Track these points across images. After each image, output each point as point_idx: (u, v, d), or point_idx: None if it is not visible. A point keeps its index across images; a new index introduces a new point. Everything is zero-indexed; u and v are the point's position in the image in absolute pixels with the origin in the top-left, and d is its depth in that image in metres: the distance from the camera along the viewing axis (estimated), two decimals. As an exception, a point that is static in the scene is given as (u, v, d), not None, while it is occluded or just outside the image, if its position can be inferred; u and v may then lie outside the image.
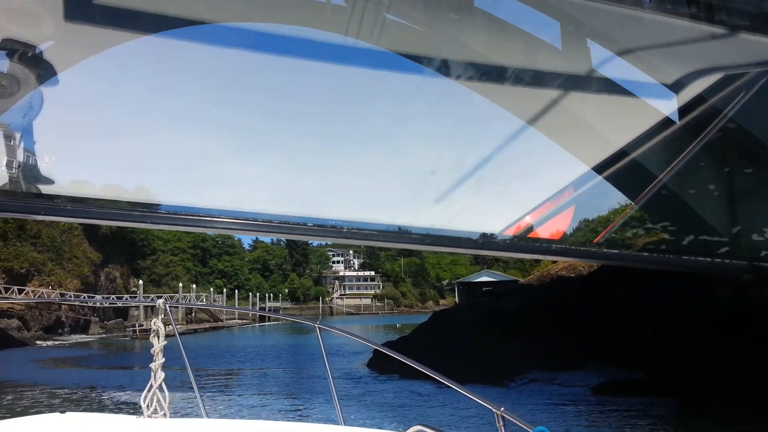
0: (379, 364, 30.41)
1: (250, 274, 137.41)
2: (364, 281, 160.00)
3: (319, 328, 4.32)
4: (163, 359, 4.15)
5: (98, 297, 78.93)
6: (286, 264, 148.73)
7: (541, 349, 25.59)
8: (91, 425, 3.64)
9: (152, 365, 4.11)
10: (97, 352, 51.92)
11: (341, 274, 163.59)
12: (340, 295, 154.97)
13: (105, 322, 79.63)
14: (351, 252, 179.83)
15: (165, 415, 4.03)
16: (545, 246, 4.49)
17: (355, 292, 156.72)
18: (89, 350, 52.96)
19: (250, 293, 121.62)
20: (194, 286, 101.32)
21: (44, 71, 4.07)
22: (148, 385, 4.06)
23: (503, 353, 26.29)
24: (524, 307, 31.06)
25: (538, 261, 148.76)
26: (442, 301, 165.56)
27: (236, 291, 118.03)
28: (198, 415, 4.26)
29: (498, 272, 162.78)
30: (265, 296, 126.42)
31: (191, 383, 4.47)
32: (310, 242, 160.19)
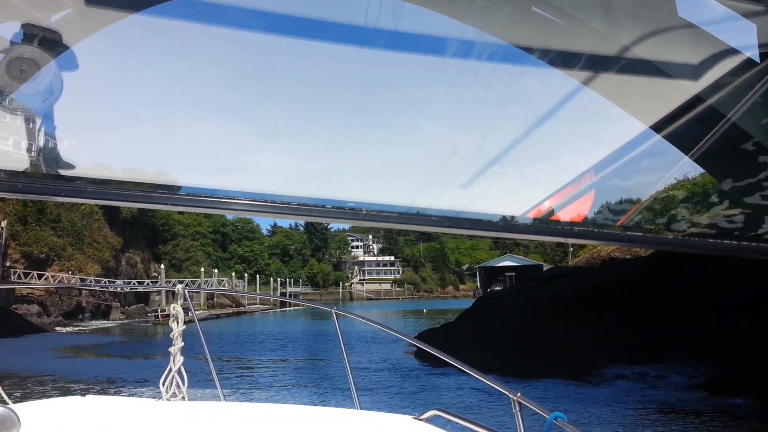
0: (429, 354, 27.15)
1: (270, 259, 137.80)
2: (383, 266, 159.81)
3: (336, 314, 4.33)
4: (182, 343, 4.19)
5: (119, 282, 79.53)
6: (306, 249, 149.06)
7: (612, 338, 23.50)
8: (111, 408, 3.69)
9: (171, 349, 4.17)
10: (118, 339, 50.79)
11: (361, 259, 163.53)
12: (360, 280, 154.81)
13: (126, 307, 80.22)
14: (370, 237, 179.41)
15: (184, 398, 4.10)
16: (567, 229, 4.63)
17: (375, 277, 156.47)
18: (110, 337, 52.16)
19: (271, 278, 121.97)
20: (216, 270, 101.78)
21: (64, 56, 4.14)
22: (167, 368, 4.12)
23: (572, 343, 24.09)
24: (581, 292, 28.25)
25: (560, 245, 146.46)
26: (462, 286, 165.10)
27: (257, 276, 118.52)
28: (216, 399, 4.28)
29: (520, 256, 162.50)
30: (286, 281, 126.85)
31: (209, 366, 4.54)
32: (329, 227, 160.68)
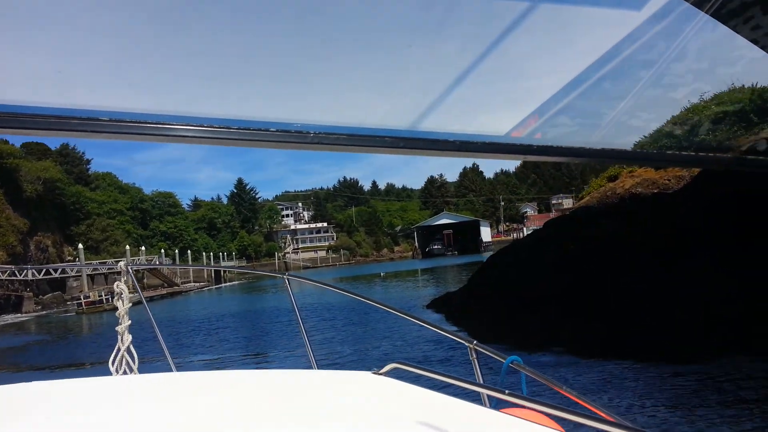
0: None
1: (196, 233, 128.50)
2: (317, 233, 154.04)
3: (288, 279, 4.55)
4: (129, 321, 4.34)
5: (42, 267, 69.23)
6: (234, 221, 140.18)
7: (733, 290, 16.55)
8: (60, 391, 3.34)
9: (119, 328, 4.31)
10: (35, 338, 41.00)
11: (293, 227, 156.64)
12: (294, 249, 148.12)
13: (40, 296, 70.14)
14: (300, 204, 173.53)
15: (135, 373, 4.23)
16: (526, 146, 3.44)
17: (309, 245, 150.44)
18: (24, 336, 42.35)
19: (203, 254, 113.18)
20: (143, 248, 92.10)
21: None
22: (116, 348, 4.25)
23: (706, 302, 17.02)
24: (632, 235, 21.87)
25: (490, 200, 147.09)
26: (396, 248, 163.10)
27: (188, 252, 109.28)
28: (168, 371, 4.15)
29: (454, 214, 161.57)
30: (219, 256, 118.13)
31: (158, 339, 4.66)
32: (258, 197, 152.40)
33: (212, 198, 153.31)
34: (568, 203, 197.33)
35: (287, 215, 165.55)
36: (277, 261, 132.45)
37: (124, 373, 4.10)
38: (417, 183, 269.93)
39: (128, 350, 4.18)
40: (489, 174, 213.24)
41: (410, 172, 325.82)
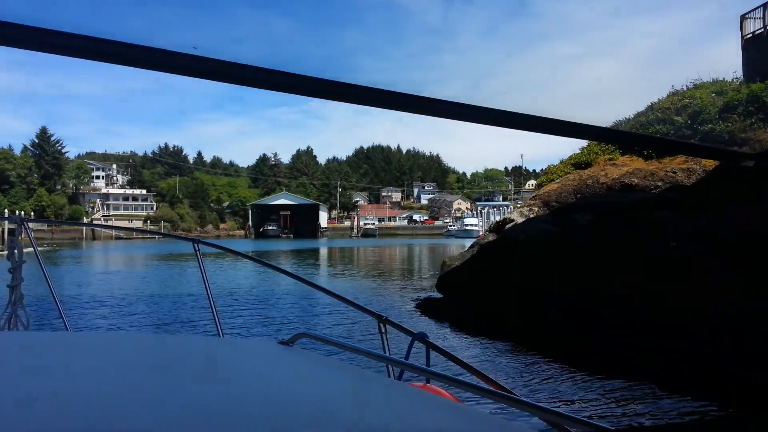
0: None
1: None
2: (134, 200, 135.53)
3: (197, 244, 4.39)
4: (23, 279, 4.10)
5: None
6: (32, 177, 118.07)
7: None
8: None
9: (10, 284, 4.05)
10: None
11: (104, 191, 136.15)
12: (105, 216, 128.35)
13: None
14: (114, 166, 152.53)
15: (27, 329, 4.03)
16: (441, 105, 3.74)
17: (123, 212, 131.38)
18: None
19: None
20: None
21: None
22: (6, 304, 4.04)
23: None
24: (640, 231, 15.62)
25: (325, 185, 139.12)
26: (222, 225, 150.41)
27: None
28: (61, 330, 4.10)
29: (294, 195, 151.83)
30: (17, 214, 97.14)
31: (53, 297, 4.48)
32: (65, 152, 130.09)
33: (5, 147, 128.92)
34: (397, 196, 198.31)
35: (98, 177, 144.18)
36: (84, 229, 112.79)
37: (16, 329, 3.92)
38: (245, 160, 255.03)
39: (21, 308, 4.03)
40: (322, 159, 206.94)
41: (238, 148, 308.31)
